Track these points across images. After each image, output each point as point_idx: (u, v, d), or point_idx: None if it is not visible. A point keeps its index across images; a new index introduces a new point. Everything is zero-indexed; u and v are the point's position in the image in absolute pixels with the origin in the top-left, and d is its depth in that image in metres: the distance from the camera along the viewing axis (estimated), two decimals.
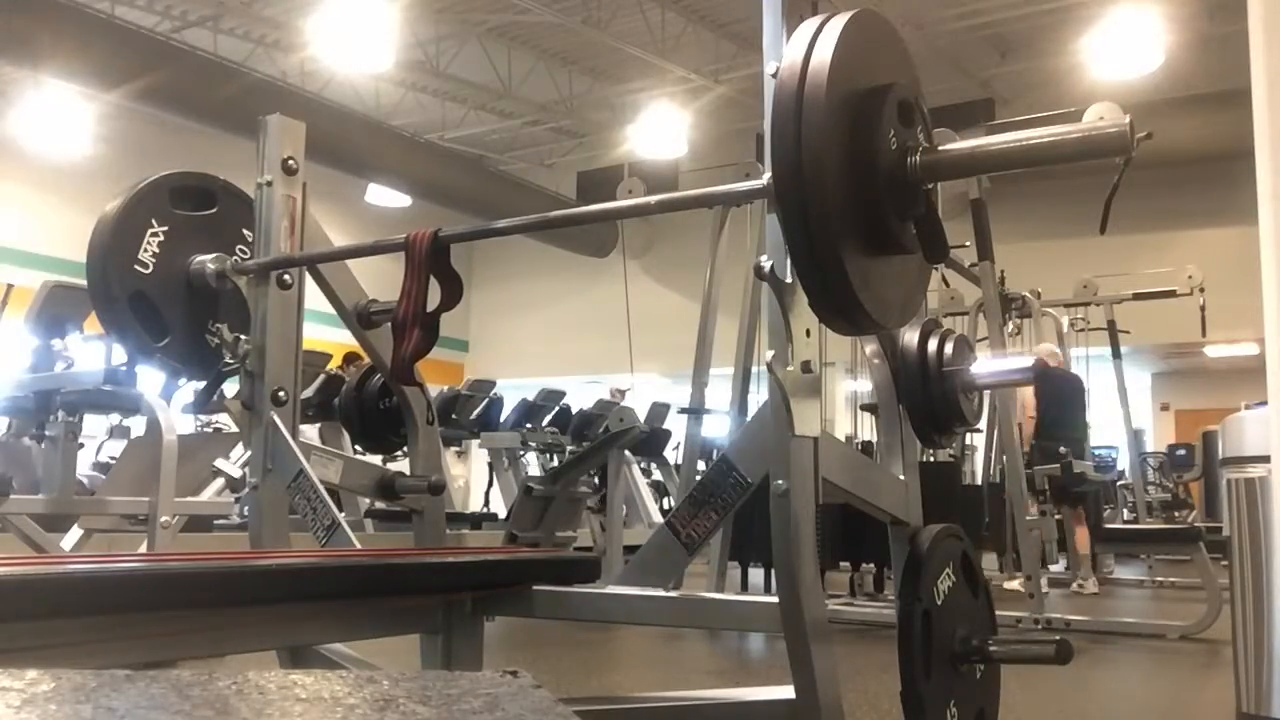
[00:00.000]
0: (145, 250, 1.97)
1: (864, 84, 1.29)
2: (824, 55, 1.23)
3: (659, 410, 7.88)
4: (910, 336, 1.94)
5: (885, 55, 1.37)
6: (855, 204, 1.24)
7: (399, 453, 2.99)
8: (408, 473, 2.23)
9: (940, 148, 1.35)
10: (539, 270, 14.52)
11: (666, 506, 7.73)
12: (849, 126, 1.24)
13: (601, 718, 1.65)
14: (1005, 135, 1.35)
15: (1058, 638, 1.77)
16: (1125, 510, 9.43)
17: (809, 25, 1.29)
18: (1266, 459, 2.23)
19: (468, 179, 12.06)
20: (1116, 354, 7.39)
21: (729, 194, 1.64)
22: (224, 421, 5.91)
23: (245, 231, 2.11)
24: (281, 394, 2.00)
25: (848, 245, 1.23)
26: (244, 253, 2.11)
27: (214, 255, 2.05)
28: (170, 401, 3.35)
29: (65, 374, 3.72)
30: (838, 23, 1.27)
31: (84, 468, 5.43)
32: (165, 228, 2.00)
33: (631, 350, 6.42)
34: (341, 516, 1.90)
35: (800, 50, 1.25)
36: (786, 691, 1.47)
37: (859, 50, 1.28)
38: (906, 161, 1.31)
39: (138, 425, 4.64)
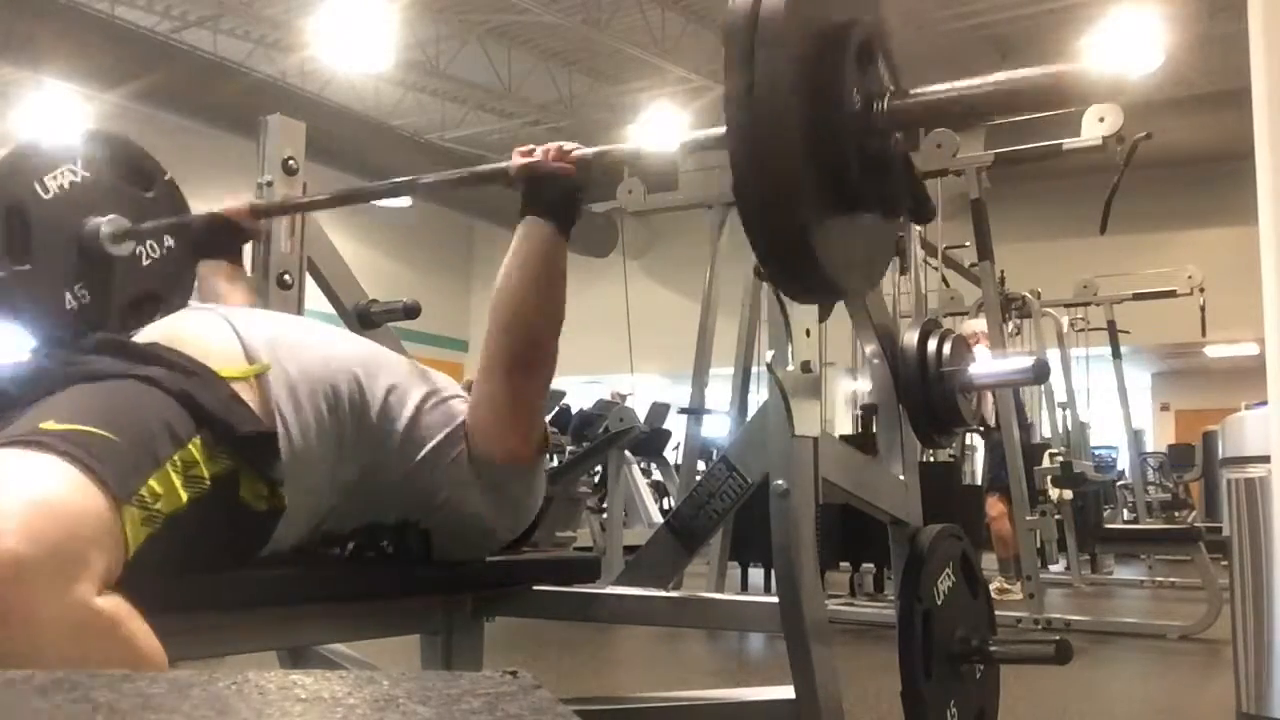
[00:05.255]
0: (54, 179, 1.75)
1: (823, 20, 1.17)
2: None
3: (659, 410, 7.88)
4: (910, 336, 1.95)
5: None
6: (814, 153, 1.13)
7: None
8: None
9: (911, 92, 1.22)
10: None
11: (666, 506, 7.74)
12: (808, 67, 1.12)
13: (601, 718, 1.65)
14: (982, 79, 1.21)
15: (1058, 638, 1.77)
16: (1125, 510, 9.43)
17: None
18: (1266, 459, 2.23)
19: None
20: (1116, 354, 7.40)
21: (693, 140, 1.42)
22: None
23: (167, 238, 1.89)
24: None
25: (805, 199, 1.12)
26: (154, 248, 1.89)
27: (111, 217, 1.78)
28: None
29: None
30: None
31: None
32: (88, 174, 1.79)
33: (631, 350, 6.42)
34: None
35: None
36: (786, 691, 1.47)
37: None
38: (872, 107, 1.18)
39: None
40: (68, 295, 1.73)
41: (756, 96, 1.08)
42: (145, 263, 1.85)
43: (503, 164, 1.50)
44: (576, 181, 1.47)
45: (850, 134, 1.15)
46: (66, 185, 1.76)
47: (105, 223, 1.77)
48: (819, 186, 1.13)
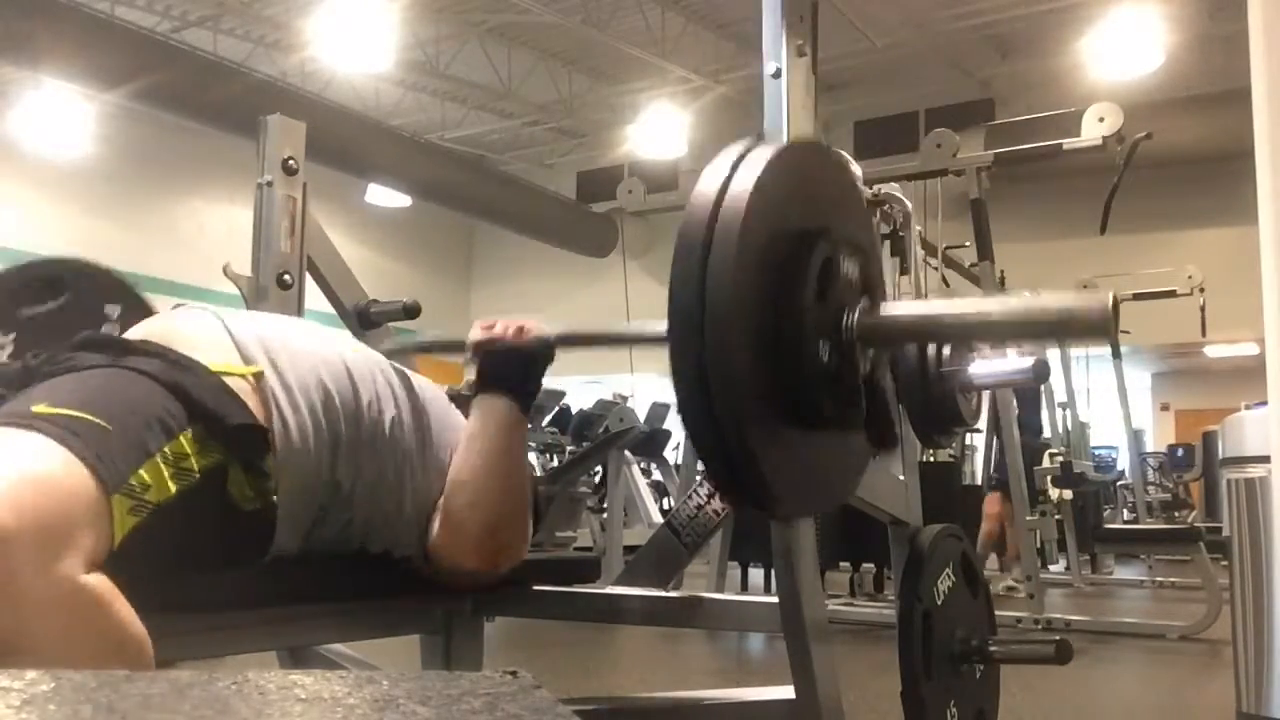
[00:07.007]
0: None
1: (788, 228, 1.10)
2: (743, 186, 1.04)
3: (659, 410, 7.88)
4: None
5: (824, 192, 1.19)
6: (771, 371, 1.06)
7: None
8: None
9: (884, 310, 1.16)
10: (539, 270, 14.53)
11: (666, 506, 7.74)
12: (769, 277, 1.06)
13: (601, 718, 1.65)
14: (966, 302, 1.19)
15: (1058, 638, 1.77)
16: (1125, 510, 9.43)
17: (732, 151, 1.11)
18: (1266, 459, 2.23)
19: (468, 179, 12.05)
20: (1116, 354, 7.40)
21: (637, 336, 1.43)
22: None
23: (107, 308, 1.78)
24: None
25: (759, 420, 1.05)
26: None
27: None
28: None
29: None
30: (765, 151, 1.08)
31: None
32: (12, 335, 1.66)
33: (631, 350, 6.44)
34: None
35: (716, 181, 1.07)
36: (786, 691, 1.47)
37: (790, 184, 1.10)
38: (842, 322, 1.12)
39: None
40: None
41: (706, 306, 1.02)
42: None
43: (459, 339, 1.47)
44: (535, 355, 1.44)
45: (807, 353, 1.08)
46: (6, 359, 1.61)
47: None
48: (770, 404, 1.06)
